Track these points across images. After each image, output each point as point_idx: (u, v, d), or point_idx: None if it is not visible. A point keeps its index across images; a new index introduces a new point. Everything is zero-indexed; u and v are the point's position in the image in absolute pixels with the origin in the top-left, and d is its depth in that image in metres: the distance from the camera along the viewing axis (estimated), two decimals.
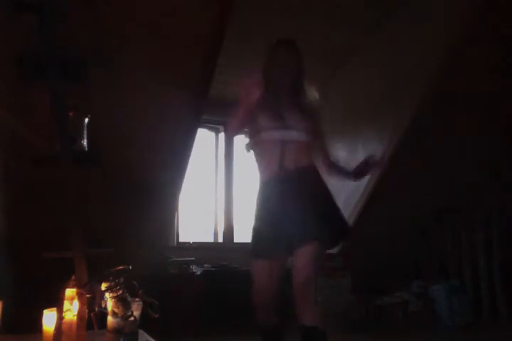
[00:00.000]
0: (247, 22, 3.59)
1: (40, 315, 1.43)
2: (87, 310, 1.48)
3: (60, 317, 1.39)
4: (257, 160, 2.09)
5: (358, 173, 2.13)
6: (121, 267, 1.46)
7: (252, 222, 2.06)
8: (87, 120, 2.22)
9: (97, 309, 1.49)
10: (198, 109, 2.86)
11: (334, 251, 4.16)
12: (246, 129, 2.10)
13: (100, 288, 1.45)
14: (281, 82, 2.06)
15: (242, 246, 4.65)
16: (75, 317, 1.43)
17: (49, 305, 1.43)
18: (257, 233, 2.02)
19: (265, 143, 2.01)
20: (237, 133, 2.10)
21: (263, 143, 2.02)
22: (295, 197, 1.93)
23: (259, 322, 2.02)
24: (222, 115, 4.70)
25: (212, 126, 4.90)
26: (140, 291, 1.50)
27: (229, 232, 4.78)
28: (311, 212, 1.89)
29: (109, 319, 1.46)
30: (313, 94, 2.16)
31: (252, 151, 2.11)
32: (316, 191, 1.99)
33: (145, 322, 1.56)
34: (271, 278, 2.00)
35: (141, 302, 1.52)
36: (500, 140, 4.10)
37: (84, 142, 2.19)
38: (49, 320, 1.41)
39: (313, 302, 1.87)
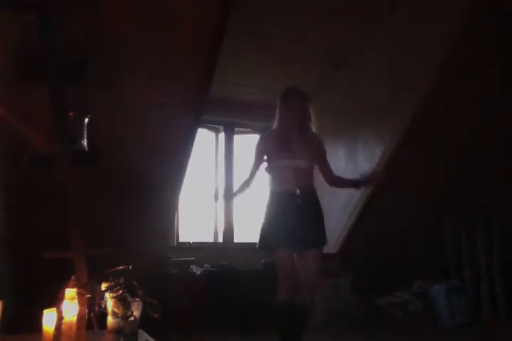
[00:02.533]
0: (247, 22, 3.59)
1: (40, 315, 1.42)
2: (87, 310, 1.48)
3: (60, 317, 1.39)
4: (274, 178, 2.66)
5: (357, 184, 2.74)
6: (121, 267, 1.46)
7: (269, 222, 2.61)
8: (87, 120, 2.22)
9: (97, 309, 1.49)
10: (198, 109, 2.86)
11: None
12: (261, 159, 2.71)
13: (100, 288, 1.45)
14: (291, 121, 2.65)
15: (242, 246, 4.66)
16: (75, 317, 1.43)
17: (49, 305, 1.43)
18: (277, 230, 2.55)
19: (279, 169, 2.63)
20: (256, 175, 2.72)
21: (278, 169, 2.63)
22: (307, 211, 2.58)
23: (281, 298, 2.51)
24: (222, 115, 4.71)
25: (212, 126, 4.90)
26: (140, 291, 1.50)
27: (229, 232, 4.78)
28: (317, 225, 2.61)
29: (109, 319, 1.46)
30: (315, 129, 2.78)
31: (269, 172, 2.69)
32: (318, 210, 2.66)
33: (145, 322, 1.56)
34: (291, 262, 2.55)
35: (141, 302, 1.52)
36: (500, 140, 4.10)
37: (84, 142, 2.19)
38: (49, 320, 1.41)
39: (316, 291, 2.63)
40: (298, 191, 2.57)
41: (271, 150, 2.65)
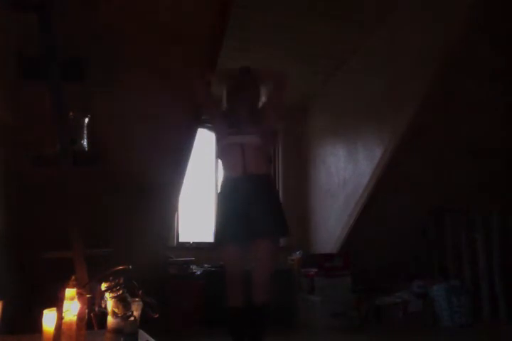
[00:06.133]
0: (247, 22, 3.59)
1: (40, 315, 1.42)
2: (87, 310, 1.48)
3: (60, 317, 1.39)
4: (223, 162, 2.51)
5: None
6: (121, 267, 1.46)
7: (217, 213, 2.47)
8: (87, 120, 2.22)
9: (97, 309, 1.49)
10: (198, 109, 2.86)
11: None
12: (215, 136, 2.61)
13: (100, 288, 1.45)
14: (240, 99, 2.50)
15: None
16: (75, 317, 1.43)
17: (49, 305, 1.43)
18: (224, 223, 2.38)
19: (227, 147, 2.44)
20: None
21: (226, 148, 2.45)
22: (257, 198, 2.34)
23: (232, 304, 2.39)
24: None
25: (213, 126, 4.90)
26: (140, 291, 1.50)
27: None
28: (270, 213, 2.36)
29: (109, 319, 1.46)
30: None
31: (218, 156, 2.58)
32: (272, 196, 2.45)
33: (145, 322, 1.56)
34: (239, 260, 2.38)
35: (141, 302, 1.52)
36: (500, 140, 4.10)
37: (84, 142, 2.19)
38: (49, 320, 1.41)
39: (268, 286, 2.37)
40: (245, 175, 2.36)
41: (219, 127, 2.52)
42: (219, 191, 2.51)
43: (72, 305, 1.43)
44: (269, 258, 2.36)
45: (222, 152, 2.52)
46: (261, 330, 2.38)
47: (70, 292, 1.45)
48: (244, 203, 2.32)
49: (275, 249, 2.41)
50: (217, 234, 2.42)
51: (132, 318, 1.42)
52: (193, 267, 4.11)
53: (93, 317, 1.53)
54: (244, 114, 2.48)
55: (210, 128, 2.64)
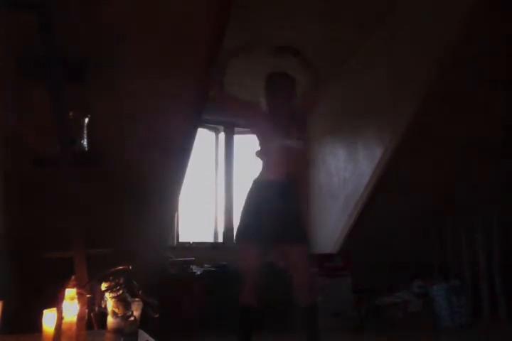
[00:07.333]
0: (247, 22, 3.59)
1: (40, 315, 1.43)
2: (87, 310, 1.48)
3: (60, 317, 1.39)
4: (268, 162, 2.52)
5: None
6: (121, 267, 1.46)
7: (245, 209, 2.46)
8: (87, 120, 2.23)
9: (97, 309, 1.49)
10: (198, 109, 2.86)
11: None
12: (258, 139, 2.60)
13: (100, 288, 1.45)
14: (280, 103, 2.55)
15: None
16: (75, 317, 1.43)
17: (49, 305, 1.43)
18: (251, 219, 2.39)
19: (279, 149, 2.46)
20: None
21: (277, 150, 2.47)
22: (291, 201, 2.42)
23: (242, 303, 2.36)
24: (222, 115, 4.71)
25: (212, 126, 4.91)
26: (140, 291, 1.50)
27: (229, 232, 4.78)
28: (300, 218, 2.46)
29: (109, 319, 1.46)
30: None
31: (260, 157, 2.56)
32: (299, 202, 2.53)
33: (145, 322, 1.56)
34: (258, 258, 2.38)
35: (141, 302, 1.52)
36: (500, 140, 4.10)
37: (84, 142, 2.20)
38: (49, 320, 1.41)
39: (312, 286, 2.47)
40: (284, 179, 2.42)
41: (264, 129, 2.53)
42: (250, 191, 2.51)
43: (72, 305, 1.43)
44: (306, 259, 2.43)
45: (270, 153, 2.51)
46: (317, 330, 2.38)
47: (70, 292, 1.45)
48: (277, 205, 2.35)
49: (309, 251, 2.48)
50: (241, 230, 2.44)
51: (132, 318, 1.42)
52: (193, 267, 4.11)
53: (93, 317, 1.53)
54: (285, 116, 2.53)
55: (250, 130, 2.68)
